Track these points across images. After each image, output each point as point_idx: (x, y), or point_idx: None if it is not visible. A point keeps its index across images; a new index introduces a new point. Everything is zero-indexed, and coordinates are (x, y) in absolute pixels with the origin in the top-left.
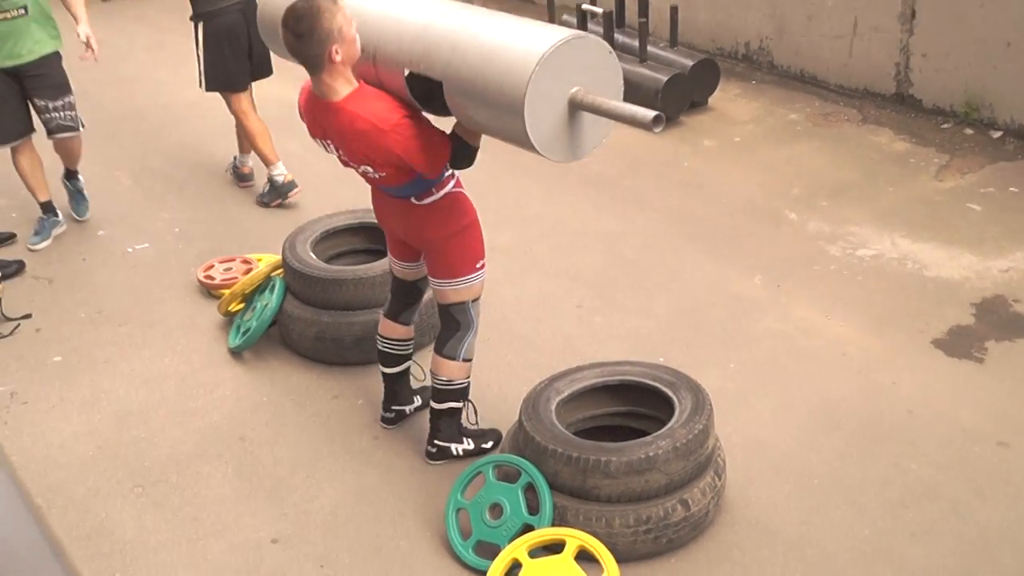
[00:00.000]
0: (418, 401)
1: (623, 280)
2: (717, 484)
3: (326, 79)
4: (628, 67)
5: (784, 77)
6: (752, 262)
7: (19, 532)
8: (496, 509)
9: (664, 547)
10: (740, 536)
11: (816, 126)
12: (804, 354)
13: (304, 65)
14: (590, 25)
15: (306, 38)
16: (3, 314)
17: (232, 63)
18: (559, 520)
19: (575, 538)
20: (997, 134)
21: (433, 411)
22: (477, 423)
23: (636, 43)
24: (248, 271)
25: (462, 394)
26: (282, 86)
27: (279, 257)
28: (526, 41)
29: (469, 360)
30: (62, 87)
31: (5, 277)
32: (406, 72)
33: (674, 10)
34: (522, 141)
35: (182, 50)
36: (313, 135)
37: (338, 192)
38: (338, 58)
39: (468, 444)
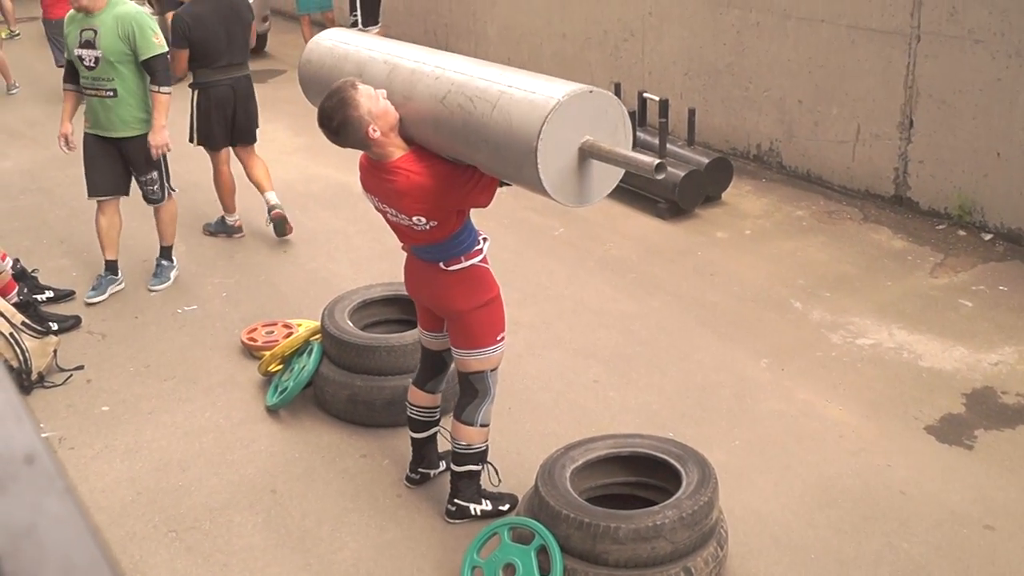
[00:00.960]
0: (443, 466)
1: (637, 358)
2: (719, 554)
3: (376, 151)
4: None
5: (792, 177)
6: (758, 346)
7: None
8: (509, 569)
9: None
10: None
11: (821, 223)
12: (804, 434)
13: (357, 147)
14: None
15: (342, 133)
16: (57, 365)
17: (216, 127)
18: None
19: None
20: (988, 236)
21: (453, 473)
22: (498, 484)
23: (656, 141)
24: (288, 335)
25: (480, 457)
26: (331, 168)
27: (318, 323)
28: (542, 90)
29: (486, 426)
30: (148, 164)
31: (62, 331)
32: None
33: (692, 112)
34: (535, 186)
35: None
36: (365, 189)
37: (375, 266)
38: (376, 134)
39: (486, 505)
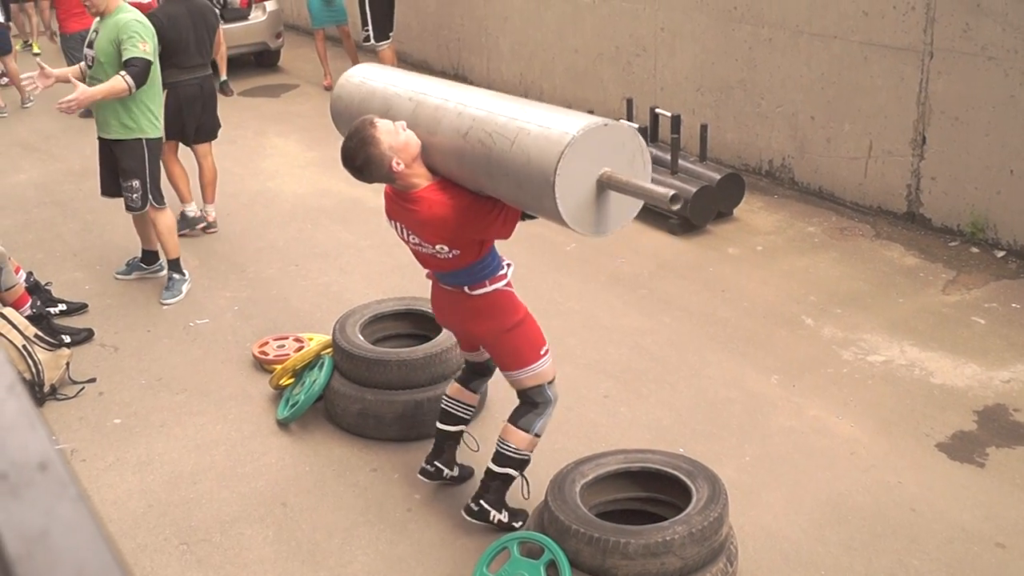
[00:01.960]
0: (457, 472)
1: (648, 374)
2: (729, 571)
3: (400, 183)
4: (660, 178)
5: (804, 193)
6: (769, 362)
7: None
8: None
9: None
10: None
11: (833, 239)
12: (815, 451)
13: (382, 181)
14: None
15: (367, 171)
16: (70, 377)
17: (186, 123)
18: None
19: None
20: (1000, 253)
21: (490, 472)
22: (527, 498)
23: (668, 156)
24: (300, 349)
25: (522, 465)
26: (343, 182)
27: (329, 337)
28: (557, 126)
29: (539, 436)
30: (127, 171)
31: (75, 343)
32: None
33: (704, 128)
34: (555, 218)
35: (252, 144)
36: (390, 217)
37: (387, 280)
38: (400, 167)
39: (504, 516)
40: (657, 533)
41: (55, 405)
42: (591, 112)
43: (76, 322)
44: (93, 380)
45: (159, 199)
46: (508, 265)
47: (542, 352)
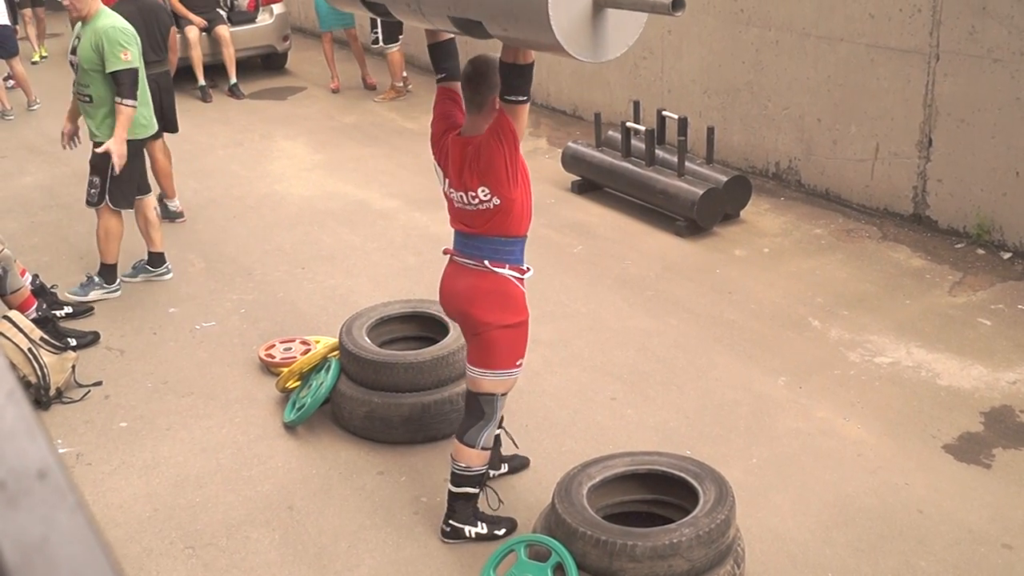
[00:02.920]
0: (505, 468)
1: (654, 376)
2: (736, 573)
3: (480, 121)
4: (667, 180)
5: (811, 195)
6: (776, 364)
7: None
8: None
9: None
10: None
11: (839, 241)
12: (822, 453)
13: (467, 102)
14: (633, 141)
15: (478, 82)
16: (75, 380)
17: None
18: None
19: None
20: (1007, 255)
21: (450, 493)
22: (497, 508)
23: (675, 159)
24: (306, 351)
25: (478, 480)
26: (350, 185)
27: (336, 340)
28: None
29: (487, 449)
30: (92, 166)
31: (80, 346)
32: (448, 15)
33: (711, 130)
34: (552, 45)
35: (258, 147)
36: (437, 162)
37: (394, 283)
38: (498, 106)
39: (481, 528)
40: (664, 535)
41: (61, 408)
42: (598, 114)
43: (82, 325)
44: (99, 383)
45: (117, 201)
46: (529, 268)
47: (517, 363)
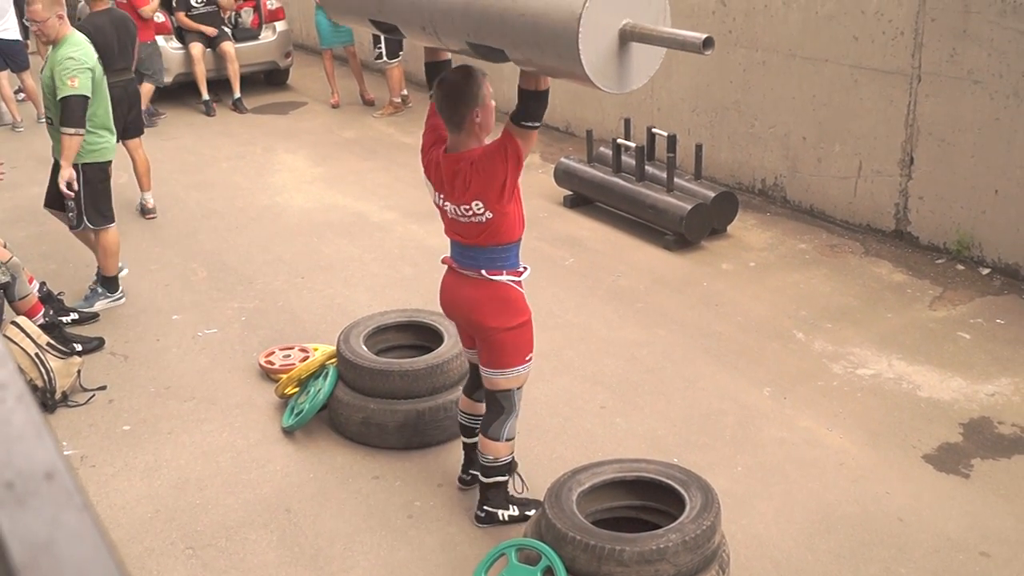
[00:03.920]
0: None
1: (643, 385)
2: None
3: (463, 138)
4: (657, 195)
5: (796, 211)
6: (761, 375)
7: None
8: None
9: None
10: None
11: (823, 256)
12: (805, 461)
13: (447, 122)
14: (624, 158)
15: (455, 101)
16: (81, 385)
17: (115, 122)
18: None
19: None
20: (986, 271)
21: (482, 484)
22: (523, 492)
23: (664, 175)
24: (305, 359)
25: (507, 469)
26: (349, 197)
27: (334, 348)
28: None
29: (512, 439)
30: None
31: (86, 352)
32: (466, 40)
33: (699, 147)
34: (580, 76)
35: (260, 161)
36: (427, 176)
37: (391, 293)
38: (478, 120)
39: (513, 511)
40: (651, 540)
41: (66, 412)
42: (590, 131)
43: (87, 331)
44: (103, 388)
45: (96, 221)
46: (526, 268)
47: (527, 358)
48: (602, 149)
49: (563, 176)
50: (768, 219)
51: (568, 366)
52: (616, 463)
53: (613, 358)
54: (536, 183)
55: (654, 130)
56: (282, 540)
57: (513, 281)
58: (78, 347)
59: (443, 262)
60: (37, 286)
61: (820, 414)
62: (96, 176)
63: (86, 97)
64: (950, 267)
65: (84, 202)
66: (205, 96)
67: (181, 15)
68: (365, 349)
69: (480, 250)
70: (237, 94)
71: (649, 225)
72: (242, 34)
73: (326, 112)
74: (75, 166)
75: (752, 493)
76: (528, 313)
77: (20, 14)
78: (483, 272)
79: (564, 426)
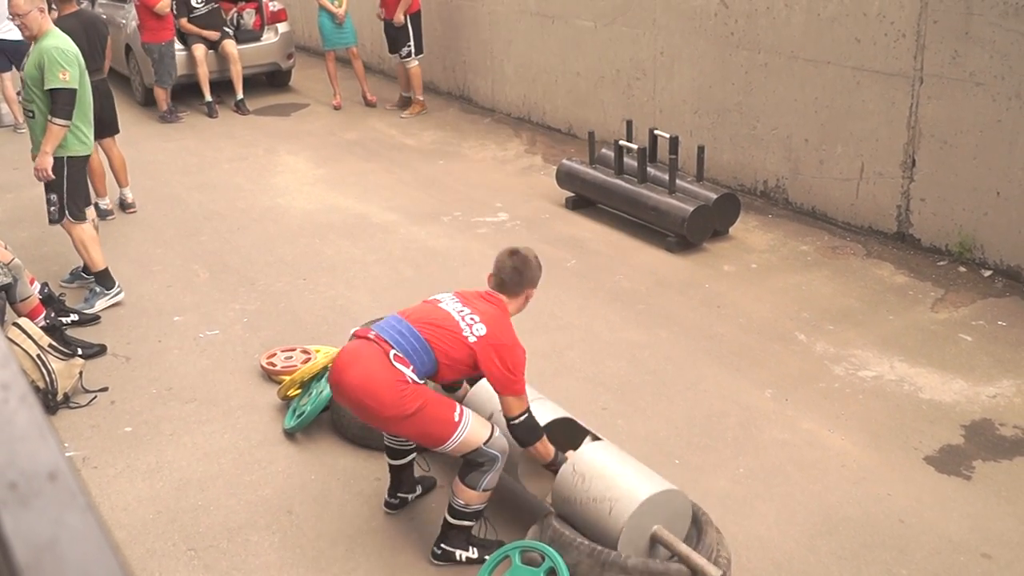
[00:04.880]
0: (419, 490)
1: (645, 387)
2: None
3: (507, 298)
4: (658, 197)
5: (798, 213)
6: (763, 377)
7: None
8: None
9: None
10: None
11: (825, 258)
12: (807, 463)
13: (503, 284)
14: (626, 159)
15: (523, 270)
16: (82, 386)
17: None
18: None
19: None
20: (987, 273)
21: (446, 521)
22: (487, 536)
23: (666, 176)
24: (307, 360)
25: (476, 516)
26: (351, 199)
27: (336, 349)
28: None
29: (488, 491)
30: (48, 185)
31: (87, 357)
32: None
33: (701, 149)
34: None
35: (262, 162)
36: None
37: (392, 294)
38: (528, 298)
39: (472, 553)
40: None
41: (68, 413)
42: (592, 133)
43: (89, 332)
44: (105, 389)
45: (76, 214)
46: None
47: (456, 420)
48: (604, 151)
49: (565, 178)
50: (770, 221)
51: (569, 367)
52: None
53: (615, 359)
54: (538, 185)
55: (656, 132)
56: (284, 542)
57: (416, 380)
58: (80, 351)
59: (355, 335)
60: (38, 288)
61: (822, 416)
62: (77, 169)
63: (75, 90)
64: (952, 269)
65: (66, 195)
66: (208, 97)
67: (183, 21)
68: None
69: (416, 349)
70: (239, 95)
71: (651, 227)
72: (244, 35)
73: (328, 113)
74: (59, 158)
75: (754, 494)
76: (423, 398)
77: None
78: (391, 354)
79: None
